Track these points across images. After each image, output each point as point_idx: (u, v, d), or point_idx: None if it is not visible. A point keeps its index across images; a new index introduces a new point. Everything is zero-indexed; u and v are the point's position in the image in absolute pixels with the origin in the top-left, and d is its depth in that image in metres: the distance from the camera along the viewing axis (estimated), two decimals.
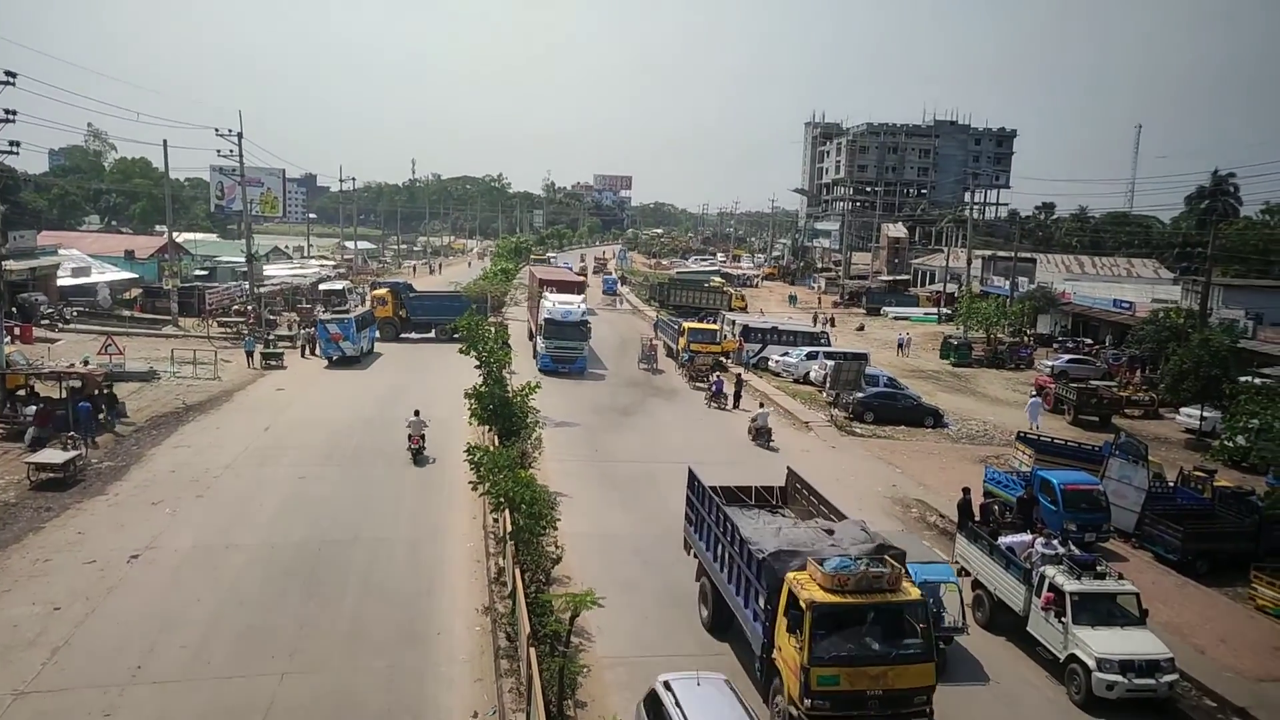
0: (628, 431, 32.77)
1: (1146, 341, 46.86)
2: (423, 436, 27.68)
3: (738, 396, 38.37)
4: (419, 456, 27.47)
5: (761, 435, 32.49)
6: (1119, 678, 15.39)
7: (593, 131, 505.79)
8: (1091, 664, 15.61)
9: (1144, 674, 15.50)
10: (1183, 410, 38.97)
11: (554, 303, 43.31)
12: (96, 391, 29.26)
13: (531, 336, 48.00)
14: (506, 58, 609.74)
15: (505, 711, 13.86)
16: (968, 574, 19.74)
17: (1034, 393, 41.23)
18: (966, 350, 54.12)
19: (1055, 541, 18.36)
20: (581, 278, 67.56)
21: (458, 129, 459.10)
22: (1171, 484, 26.60)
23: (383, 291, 54.34)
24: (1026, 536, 19.08)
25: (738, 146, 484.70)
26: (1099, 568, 17.24)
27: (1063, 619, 16.43)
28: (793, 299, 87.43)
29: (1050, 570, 17.17)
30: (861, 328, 67.61)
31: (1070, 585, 16.67)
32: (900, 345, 56.87)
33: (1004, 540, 19.15)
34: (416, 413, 28.07)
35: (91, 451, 26.19)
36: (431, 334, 50.98)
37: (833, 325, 63.44)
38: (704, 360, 43.92)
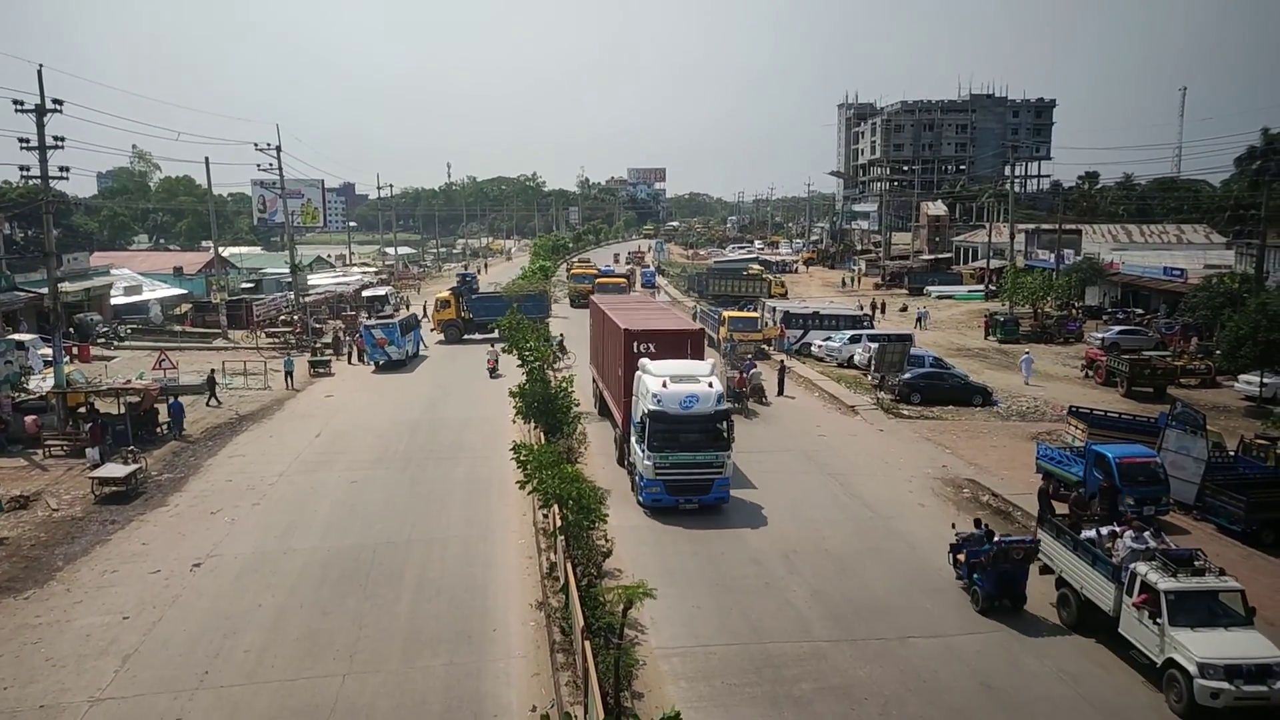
0: None
1: (1200, 308, 45.68)
2: (497, 359, 39.54)
3: (781, 384, 38.15)
4: (494, 374, 39.68)
5: (756, 393, 34.17)
6: (1225, 684, 13.93)
7: (625, 126, 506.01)
8: (1193, 669, 14.14)
9: (1254, 679, 14.00)
10: (1241, 377, 37.91)
11: (663, 379, 22.90)
12: (153, 405, 30.27)
13: (601, 411, 31.74)
14: (537, 59, 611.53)
15: (563, 704, 13.97)
16: (1050, 571, 18.32)
17: (1027, 351, 43.97)
18: (1013, 326, 53.25)
19: (1147, 534, 16.81)
20: (695, 323, 37.36)
21: (491, 131, 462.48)
22: (1232, 453, 25.90)
23: (445, 294, 54.73)
24: (1114, 528, 17.61)
25: (771, 133, 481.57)
26: (1197, 562, 15.72)
27: (1158, 620, 14.99)
28: (846, 282, 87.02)
29: (1142, 567, 15.69)
30: (904, 308, 66.82)
31: (1165, 583, 15.19)
32: (919, 320, 57.86)
33: (1088, 533, 17.79)
34: (492, 344, 40.75)
35: (151, 464, 26.89)
36: (494, 334, 51.18)
37: (883, 311, 62.63)
38: (745, 349, 43.74)
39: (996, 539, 18.25)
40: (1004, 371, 43.41)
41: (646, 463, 22.62)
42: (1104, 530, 17.64)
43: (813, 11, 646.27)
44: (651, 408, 22.45)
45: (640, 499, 23.21)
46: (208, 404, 35.09)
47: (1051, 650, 16.44)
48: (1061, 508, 20.94)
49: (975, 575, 18.07)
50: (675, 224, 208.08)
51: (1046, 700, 14.85)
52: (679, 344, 26.52)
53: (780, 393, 37.38)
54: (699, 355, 26.56)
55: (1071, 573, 17.57)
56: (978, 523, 19.55)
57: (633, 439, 24.10)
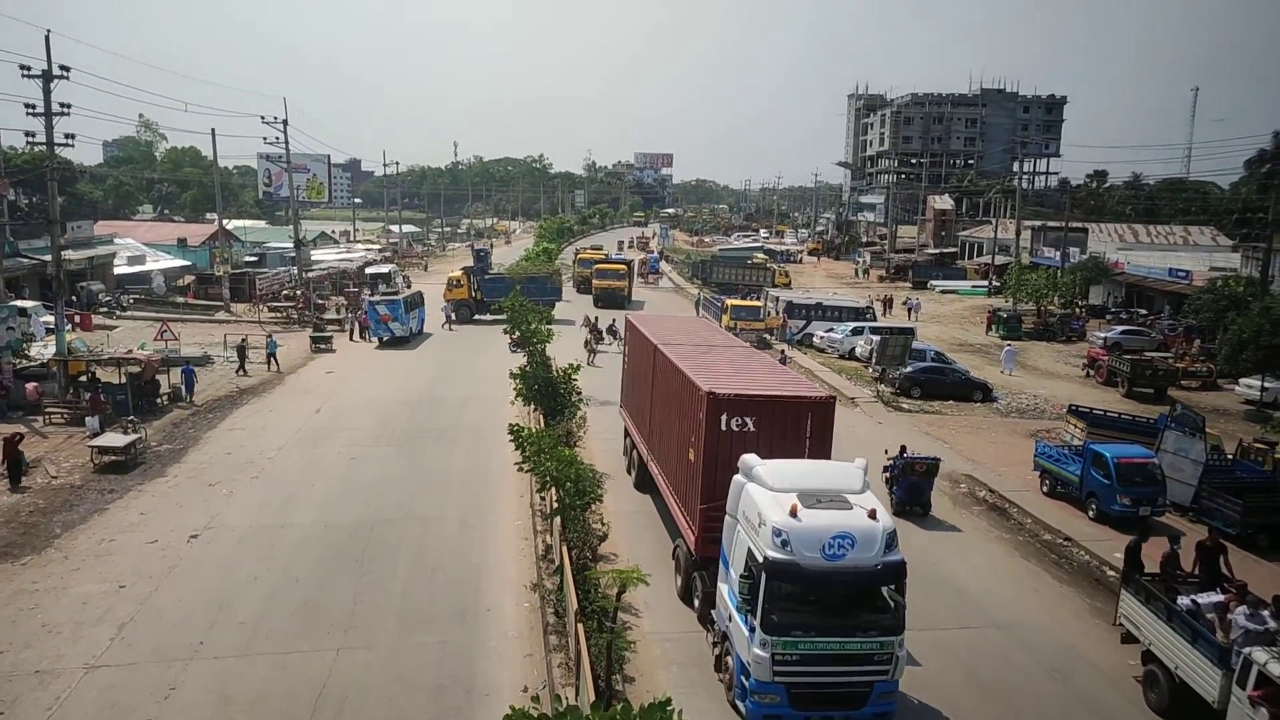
0: None
1: (1204, 311, 45.63)
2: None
3: None
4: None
5: None
6: None
7: (633, 111, 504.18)
8: None
9: None
10: (1242, 381, 37.96)
11: (790, 501, 12.99)
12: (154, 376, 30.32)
13: (640, 483, 23.15)
14: (547, 39, 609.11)
15: (555, 686, 14.05)
16: (1134, 640, 15.50)
17: (1009, 344, 45.74)
18: (1016, 323, 53.20)
19: (1266, 613, 13.47)
20: (819, 388, 21.83)
21: (499, 111, 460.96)
22: (1230, 456, 25.97)
23: (458, 274, 54.43)
24: (1218, 597, 14.64)
25: (779, 122, 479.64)
26: None
27: None
28: (857, 274, 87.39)
29: (1260, 655, 12.31)
30: (906, 301, 66.74)
31: None
32: (910, 310, 59.48)
33: (1184, 600, 14.81)
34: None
35: (150, 434, 26.95)
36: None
37: (890, 307, 62.47)
38: (746, 338, 43.72)
39: (904, 455, 22.95)
40: None
41: (759, 652, 12.72)
42: (1203, 599, 14.67)
43: (823, 1, 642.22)
44: (771, 554, 12.70)
45: (745, 708, 13.17)
46: (237, 373, 35.52)
47: (1042, 647, 16.51)
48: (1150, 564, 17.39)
49: (894, 486, 22.84)
50: (672, 210, 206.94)
51: (1034, 696, 14.93)
52: (796, 420, 15.99)
53: None
54: (823, 440, 16.05)
55: (1163, 648, 14.55)
56: (902, 448, 23.71)
57: (723, 588, 14.58)
